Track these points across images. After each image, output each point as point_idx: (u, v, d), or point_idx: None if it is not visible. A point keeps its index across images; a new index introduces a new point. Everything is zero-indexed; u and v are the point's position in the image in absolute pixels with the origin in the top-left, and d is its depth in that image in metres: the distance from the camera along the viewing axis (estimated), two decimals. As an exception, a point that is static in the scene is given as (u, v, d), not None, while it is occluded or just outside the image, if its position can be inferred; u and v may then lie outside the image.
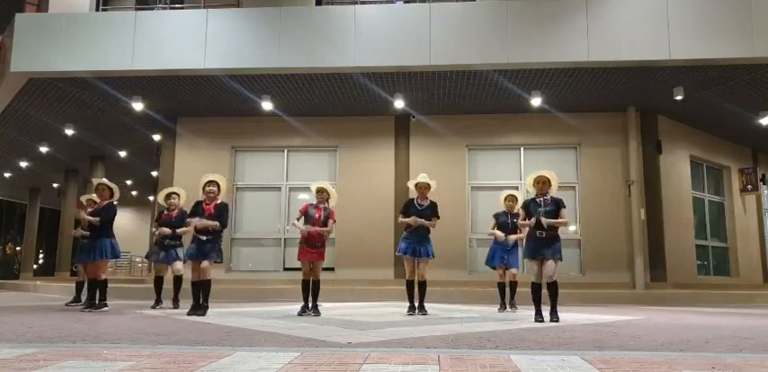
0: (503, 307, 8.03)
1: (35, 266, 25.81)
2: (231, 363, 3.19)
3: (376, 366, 3.10)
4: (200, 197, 6.98)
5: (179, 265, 8.04)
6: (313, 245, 6.97)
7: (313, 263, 7.03)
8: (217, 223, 6.79)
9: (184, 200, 8.09)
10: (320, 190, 7.12)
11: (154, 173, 17.42)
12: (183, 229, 7.79)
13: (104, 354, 3.49)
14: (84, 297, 8.33)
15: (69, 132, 13.77)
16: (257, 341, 4.38)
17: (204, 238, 6.76)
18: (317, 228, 6.98)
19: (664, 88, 11.01)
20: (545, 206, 6.30)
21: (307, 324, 5.72)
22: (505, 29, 10.01)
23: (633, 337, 4.78)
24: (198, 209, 6.87)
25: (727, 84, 10.78)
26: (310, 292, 7.02)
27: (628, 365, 3.17)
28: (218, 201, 6.93)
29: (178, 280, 8.11)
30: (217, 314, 6.97)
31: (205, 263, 6.77)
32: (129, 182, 20.52)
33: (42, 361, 3.21)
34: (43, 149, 15.75)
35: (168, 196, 8.10)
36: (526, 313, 7.50)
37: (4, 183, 21.81)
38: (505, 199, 8.15)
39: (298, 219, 7.14)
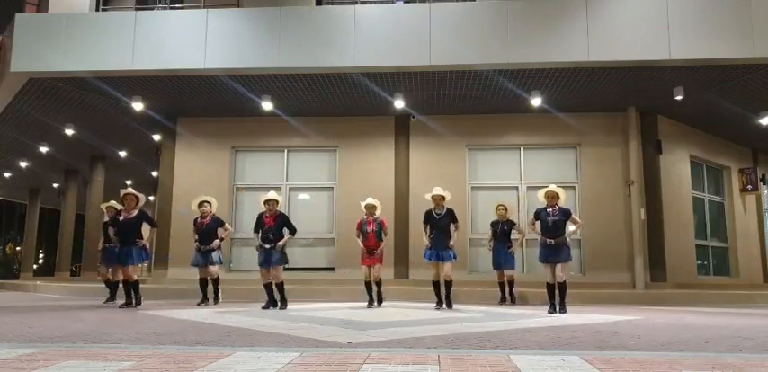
0: (503, 301, 9.48)
1: (35, 266, 25.82)
2: (231, 363, 3.19)
3: (376, 366, 3.10)
4: (262, 208, 8.25)
5: (214, 268, 8.86)
6: (371, 252, 8.30)
7: (373, 266, 8.36)
8: (290, 236, 8.24)
9: (215, 208, 9.06)
10: (368, 206, 8.42)
11: (154, 173, 17.45)
12: (225, 233, 9.02)
13: (104, 354, 3.49)
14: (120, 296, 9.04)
15: (69, 132, 13.76)
16: (257, 340, 4.38)
17: (268, 246, 7.98)
18: (378, 250, 8.40)
19: (664, 88, 11.01)
20: (553, 215, 7.64)
21: (306, 324, 5.72)
22: (505, 29, 10.00)
23: (633, 337, 4.79)
24: (260, 221, 8.18)
25: (727, 83, 10.78)
26: (374, 289, 8.45)
27: (628, 365, 3.17)
28: (277, 213, 8.18)
29: (216, 282, 8.93)
30: (217, 313, 6.99)
31: (276, 269, 8.07)
32: (129, 182, 20.53)
33: (42, 361, 3.21)
34: (43, 149, 15.75)
35: (200, 204, 8.93)
36: (526, 312, 7.54)
37: (4, 183, 21.81)
38: (497, 208, 9.53)
39: (358, 236, 8.51)
